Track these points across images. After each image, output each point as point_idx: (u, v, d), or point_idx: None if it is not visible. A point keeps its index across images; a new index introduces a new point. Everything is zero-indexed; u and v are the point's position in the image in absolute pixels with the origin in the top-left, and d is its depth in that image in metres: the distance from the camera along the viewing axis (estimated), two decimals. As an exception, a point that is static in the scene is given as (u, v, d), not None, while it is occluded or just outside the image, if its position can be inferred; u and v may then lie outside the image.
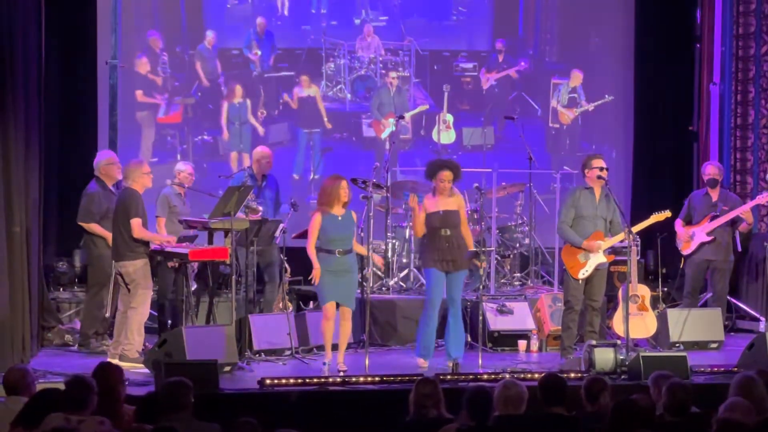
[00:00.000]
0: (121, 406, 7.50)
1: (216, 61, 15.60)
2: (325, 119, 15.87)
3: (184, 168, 12.65)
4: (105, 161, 12.11)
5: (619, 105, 16.35)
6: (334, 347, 11.12)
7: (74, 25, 14.42)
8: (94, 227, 11.93)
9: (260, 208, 12.36)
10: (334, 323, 11.07)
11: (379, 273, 13.77)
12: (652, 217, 11.78)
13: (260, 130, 15.57)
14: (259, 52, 15.66)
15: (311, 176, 15.60)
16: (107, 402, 7.20)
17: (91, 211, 11.94)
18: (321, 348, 11.81)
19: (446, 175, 11.34)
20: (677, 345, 12.52)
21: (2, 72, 10.79)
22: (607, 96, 16.24)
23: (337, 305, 11.11)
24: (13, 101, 10.90)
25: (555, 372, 9.55)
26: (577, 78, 16.26)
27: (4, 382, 7.59)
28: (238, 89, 15.58)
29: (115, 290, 11.86)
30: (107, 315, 11.98)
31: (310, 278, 11.33)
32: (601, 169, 11.46)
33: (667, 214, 11.81)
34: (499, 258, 14.04)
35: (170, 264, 11.82)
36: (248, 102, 15.62)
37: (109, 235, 11.76)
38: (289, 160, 15.70)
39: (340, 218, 11.08)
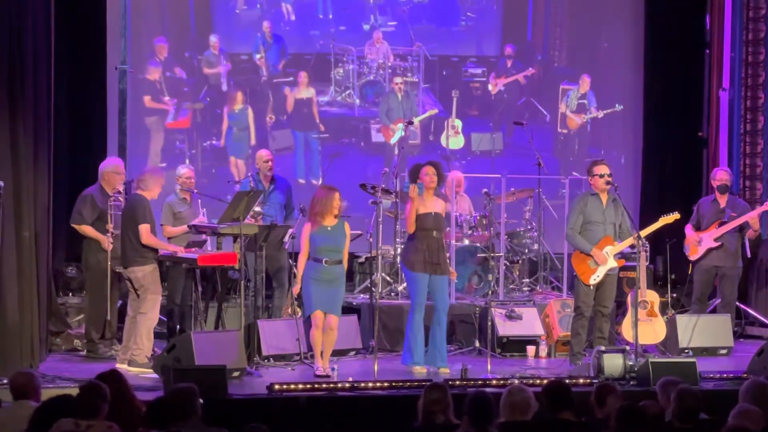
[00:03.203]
0: (134, 408, 7.48)
1: (224, 66, 15.60)
2: (318, 121, 15.85)
3: (183, 171, 12.64)
4: (110, 168, 12.10)
5: (628, 110, 16.35)
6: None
7: (84, 31, 14.45)
8: (86, 229, 11.95)
9: (258, 208, 12.32)
10: (323, 332, 11.09)
11: (388, 279, 13.77)
12: (660, 219, 11.78)
13: (252, 139, 15.55)
14: (262, 56, 15.66)
15: (319, 181, 15.60)
16: (121, 406, 7.20)
17: (82, 214, 11.96)
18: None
19: (429, 169, 11.39)
20: (686, 351, 12.50)
21: (12, 77, 10.81)
22: (617, 105, 16.23)
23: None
24: (23, 106, 10.92)
25: (559, 378, 9.55)
26: (585, 84, 16.26)
27: (11, 386, 7.59)
28: (239, 96, 15.61)
29: (113, 295, 11.89)
30: (108, 318, 11.99)
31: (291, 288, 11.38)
32: (602, 175, 11.45)
33: (676, 216, 11.80)
34: (507, 264, 14.02)
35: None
36: (249, 108, 15.63)
37: (101, 238, 11.83)
38: (296, 166, 15.72)
39: (330, 228, 11.04)
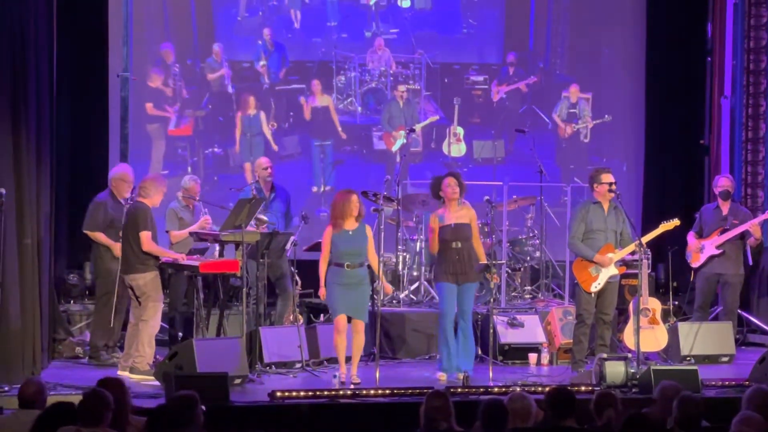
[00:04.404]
0: (127, 417, 7.48)
1: (226, 74, 15.61)
2: (339, 129, 15.87)
3: (190, 185, 12.62)
4: (118, 176, 12.10)
5: (630, 118, 16.34)
6: (347, 360, 11.14)
7: (86, 39, 14.45)
8: (99, 236, 11.94)
9: (265, 218, 12.34)
10: (346, 336, 11.08)
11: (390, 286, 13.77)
12: (661, 226, 11.79)
13: (273, 145, 15.57)
14: (264, 63, 15.67)
15: (322, 188, 15.62)
16: (114, 414, 7.20)
17: (96, 220, 11.95)
18: (331, 360, 11.81)
19: (451, 180, 11.40)
20: (688, 358, 12.50)
21: (14, 84, 10.82)
22: (606, 116, 16.20)
23: (349, 318, 11.13)
24: (25, 114, 10.93)
25: (562, 385, 9.54)
26: (574, 93, 16.26)
27: (21, 395, 7.56)
28: (252, 101, 15.60)
29: (120, 302, 11.88)
30: (111, 326, 11.98)
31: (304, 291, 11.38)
32: (610, 184, 11.47)
33: (676, 222, 11.81)
34: (509, 271, 14.02)
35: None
36: (262, 114, 15.64)
37: (113, 245, 11.80)
38: (300, 173, 15.72)
39: (351, 232, 11.07)
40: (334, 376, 10.99)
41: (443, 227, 11.37)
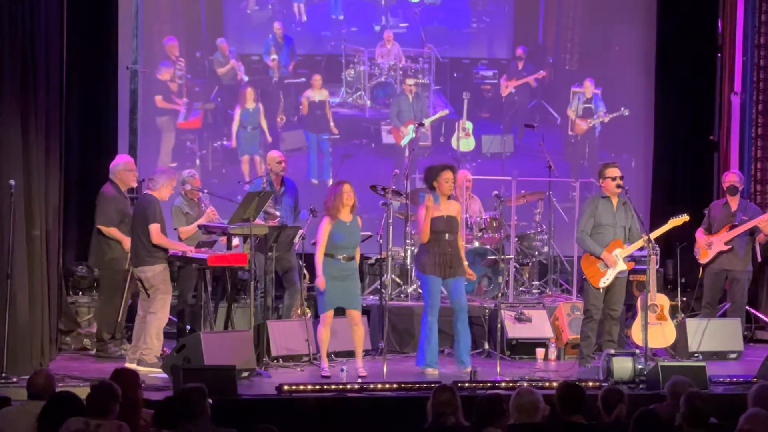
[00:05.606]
0: (139, 410, 7.51)
1: (236, 67, 15.60)
2: (332, 124, 15.85)
3: (190, 179, 12.61)
4: (123, 166, 12.09)
5: (640, 114, 16.32)
6: (338, 354, 11.21)
7: (96, 31, 14.46)
8: (114, 231, 11.92)
9: (278, 213, 12.36)
10: (330, 329, 11.11)
11: (398, 280, 13.76)
12: (670, 221, 11.77)
13: (268, 137, 15.56)
14: (276, 57, 15.67)
15: (330, 182, 15.60)
16: (124, 407, 7.21)
17: (111, 215, 11.93)
18: (339, 354, 11.81)
19: (449, 174, 11.43)
20: (696, 355, 12.48)
21: (24, 76, 10.83)
22: (623, 109, 16.18)
23: (344, 311, 11.14)
24: (35, 106, 10.94)
25: (572, 380, 9.54)
26: (589, 88, 16.24)
27: (30, 386, 7.58)
28: (250, 93, 15.59)
29: (129, 295, 11.89)
30: (119, 319, 11.99)
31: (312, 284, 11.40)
32: (614, 178, 11.45)
33: (685, 218, 11.80)
34: (517, 266, 14.01)
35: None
36: (261, 107, 15.62)
37: (125, 240, 11.76)
38: (308, 166, 15.72)
39: (348, 224, 11.08)
40: (342, 370, 10.99)
41: (437, 218, 11.37)
